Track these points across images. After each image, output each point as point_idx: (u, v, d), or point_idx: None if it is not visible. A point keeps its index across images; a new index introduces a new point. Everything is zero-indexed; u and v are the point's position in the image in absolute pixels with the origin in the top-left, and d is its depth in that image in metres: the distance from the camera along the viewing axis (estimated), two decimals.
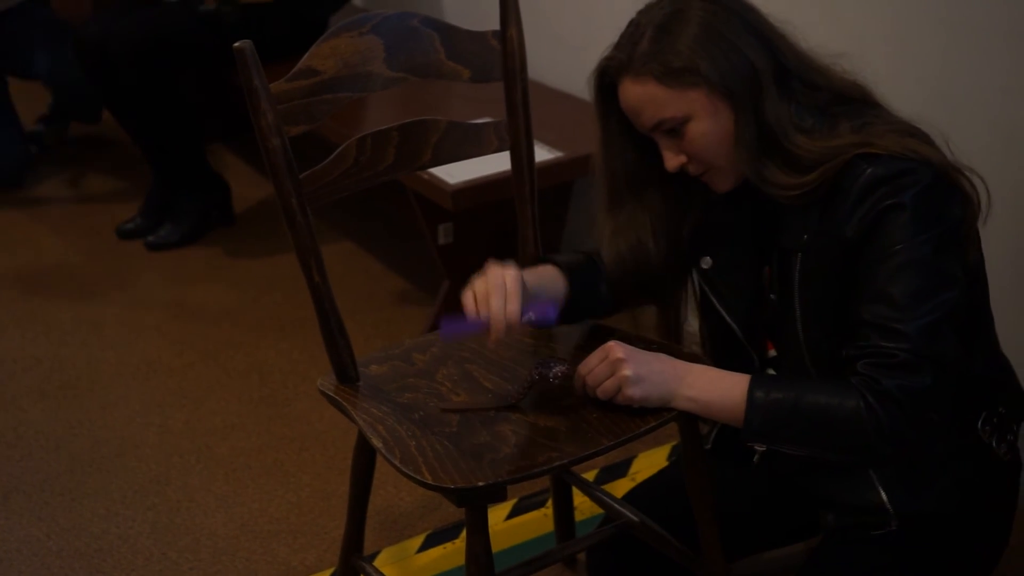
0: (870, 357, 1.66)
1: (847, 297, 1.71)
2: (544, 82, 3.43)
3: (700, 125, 1.74)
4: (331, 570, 2.45)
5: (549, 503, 2.51)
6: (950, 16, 2.38)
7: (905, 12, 2.46)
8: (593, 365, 1.77)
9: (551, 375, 1.81)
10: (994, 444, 1.85)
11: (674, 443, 2.75)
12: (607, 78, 1.81)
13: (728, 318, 1.91)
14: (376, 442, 1.76)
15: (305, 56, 1.84)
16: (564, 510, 2.30)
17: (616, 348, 1.75)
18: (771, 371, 1.91)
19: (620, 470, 2.70)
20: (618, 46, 1.78)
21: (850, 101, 1.78)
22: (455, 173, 2.89)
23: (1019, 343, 2.12)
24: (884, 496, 1.81)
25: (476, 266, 3.28)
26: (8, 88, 4.38)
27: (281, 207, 1.82)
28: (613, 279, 1.94)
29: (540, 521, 2.56)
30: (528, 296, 1.80)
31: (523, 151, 2.05)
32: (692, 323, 2.04)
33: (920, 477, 1.82)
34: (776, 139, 1.72)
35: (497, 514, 2.56)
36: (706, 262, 1.91)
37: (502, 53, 2.01)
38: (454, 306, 3.09)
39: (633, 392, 1.73)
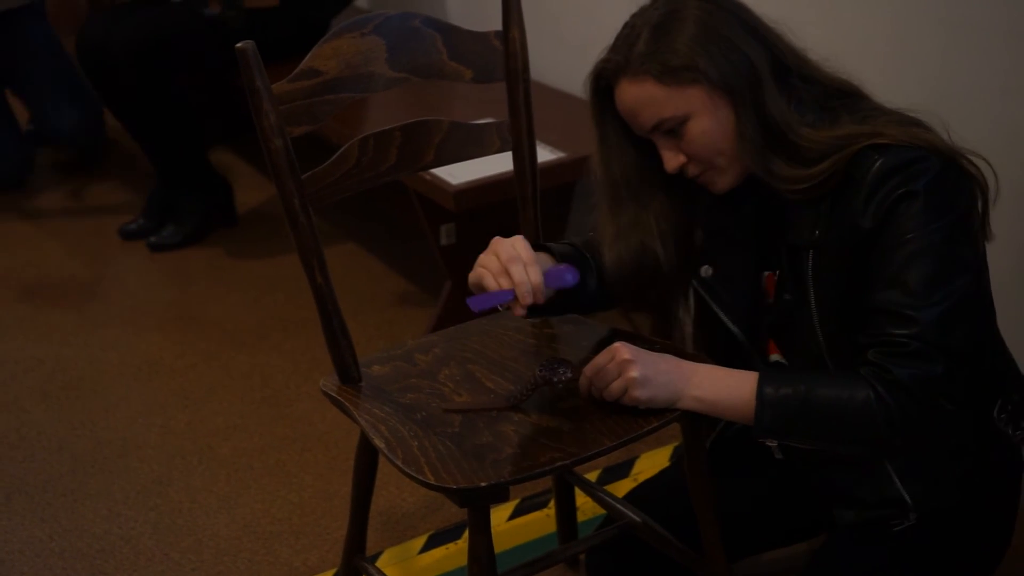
0: (881, 346, 1.66)
1: (860, 289, 1.71)
2: (546, 82, 3.43)
3: (700, 123, 1.74)
4: (333, 571, 2.45)
5: (551, 504, 2.52)
6: (950, 16, 2.38)
7: (905, 12, 2.46)
8: (600, 366, 1.76)
9: (555, 378, 1.80)
10: (1010, 432, 1.85)
11: (676, 443, 2.75)
12: (603, 81, 1.80)
13: (732, 325, 1.90)
14: (378, 442, 1.76)
15: (307, 57, 1.84)
16: (566, 510, 2.30)
17: (623, 349, 1.75)
18: (776, 366, 1.90)
19: (622, 470, 2.70)
20: (614, 48, 1.78)
21: (845, 95, 1.78)
22: (457, 174, 2.89)
23: (1021, 339, 2.12)
24: (902, 490, 1.81)
25: None
26: (5, 91, 4.38)
27: (283, 208, 1.82)
28: (614, 282, 1.93)
29: (542, 522, 2.56)
30: (540, 263, 1.79)
31: (525, 152, 2.05)
32: (687, 322, 2.04)
33: (937, 468, 1.82)
34: (781, 133, 1.72)
35: (499, 514, 2.56)
36: (706, 271, 1.90)
37: (504, 53, 2.01)
38: (456, 306, 3.11)
39: (640, 393, 1.73)
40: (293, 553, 2.51)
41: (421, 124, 1.96)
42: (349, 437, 2.82)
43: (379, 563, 2.46)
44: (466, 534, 2.24)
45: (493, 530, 1.73)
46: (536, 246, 1.95)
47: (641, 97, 1.75)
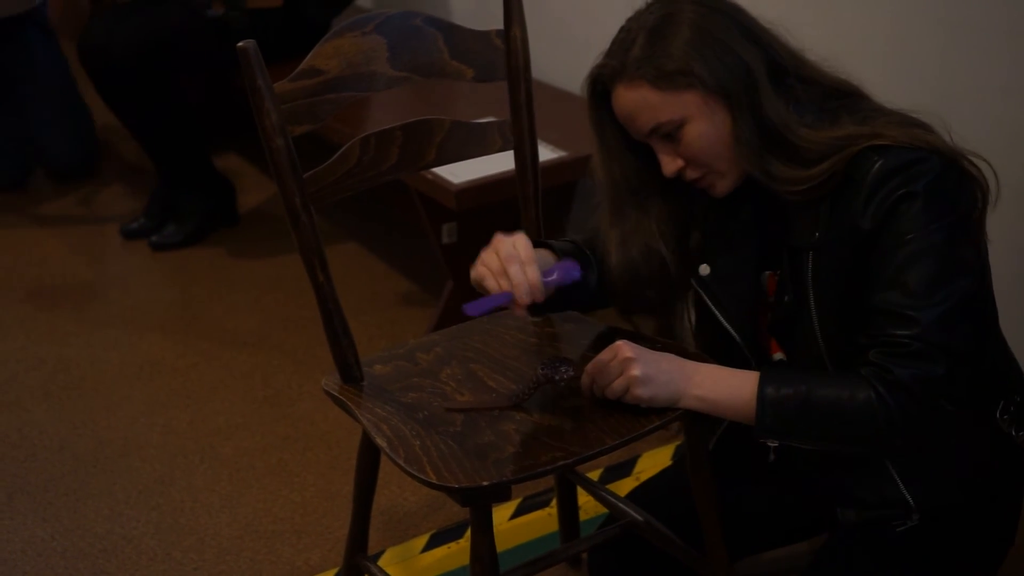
0: (882, 346, 1.66)
1: (861, 291, 1.71)
2: (548, 81, 3.43)
3: (696, 127, 1.74)
4: (335, 570, 2.45)
5: (553, 502, 2.52)
6: (949, 16, 2.38)
7: (905, 12, 2.46)
8: (602, 364, 1.76)
9: (557, 376, 1.80)
10: (1014, 432, 1.84)
11: (678, 442, 2.75)
12: (600, 86, 1.81)
13: (727, 325, 1.90)
14: (380, 442, 1.76)
15: (309, 56, 1.84)
16: (568, 509, 2.30)
17: (625, 348, 1.75)
18: (778, 364, 1.90)
19: (624, 469, 2.70)
20: (609, 53, 1.78)
21: (845, 96, 1.78)
22: (459, 173, 2.89)
23: (1022, 339, 2.12)
24: (904, 490, 1.81)
25: None
26: (5, 93, 4.39)
27: (285, 207, 1.82)
28: (619, 285, 1.93)
29: (544, 520, 2.56)
30: (542, 261, 1.80)
31: (527, 151, 2.05)
32: (688, 322, 2.04)
33: (939, 469, 1.82)
34: (779, 134, 1.72)
35: (501, 513, 2.56)
36: (704, 269, 1.90)
37: (506, 52, 2.01)
38: (457, 305, 3.10)
39: (642, 392, 1.73)
40: (295, 552, 2.51)
41: (422, 123, 1.96)
42: (351, 436, 2.81)
43: (381, 562, 2.46)
44: (468, 533, 2.24)
45: (495, 529, 1.73)
46: (537, 243, 1.95)
47: (637, 102, 1.75)
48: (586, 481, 2.20)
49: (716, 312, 1.90)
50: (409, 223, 3.77)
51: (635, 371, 1.73)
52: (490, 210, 3.04)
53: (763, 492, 2.05)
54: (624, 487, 2.54)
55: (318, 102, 1.84)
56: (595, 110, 1.83)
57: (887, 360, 1.65)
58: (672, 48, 1.71)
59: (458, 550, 2.48)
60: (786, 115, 1.72)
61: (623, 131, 1.82)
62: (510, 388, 1.86)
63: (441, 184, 2.90)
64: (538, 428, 1.76)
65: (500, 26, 2.01)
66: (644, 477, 2.59)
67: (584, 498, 2.42)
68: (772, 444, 1.74)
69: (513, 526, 2.55)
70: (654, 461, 2.72)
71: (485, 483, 1.64)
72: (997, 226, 1.80)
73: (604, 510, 2.30)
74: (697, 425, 1.83)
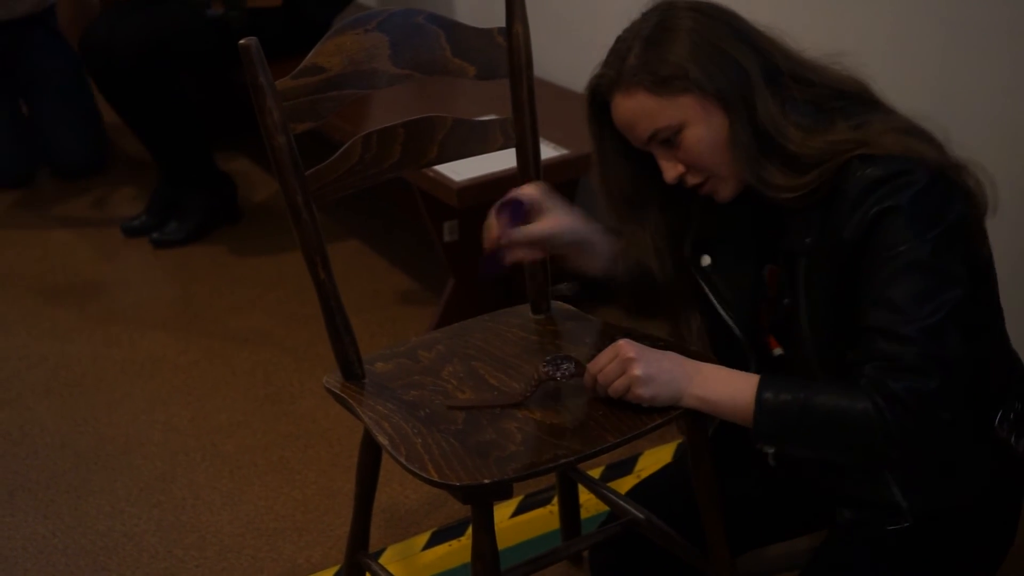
0: (876, 360, 1.65)
1: (851, 299, 1.71)
2: (550, 79, 3.43)
3: (695, 132, 1.74)
4: (336, 567, 2.45)
5: (555, 500, 2.52)
6: (951, 16, 2.38)
7: (907, 12, 2.46)
8: (603, 363, 1.76)
9: (559, 373, 1.81)
10: (1012, 441, 1.84)
11: (679, 440, 2.75)
12: (598, 97, 1.82)
13: (726, 316, 1.90)
14: (382, 439, 1.75)
15: (311, 53, 1.84)
16: (570, 507, 2.30)
17: (627, 347, 1.75)
18: (779, 359, 1.90)
19: (626, 467, 2.70)
20: (606, 63, 1.79)
21: (847, 96, 1.78)
22: (460, 170, 2.89)
23: (1021, 342, 2.12)
24: (899, 494, 1.81)
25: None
26: (13, 91, 4.39)
27: (286, 204, 1.82)
28: (633, 289, 1.95)
29: (546, 518, 2.56)
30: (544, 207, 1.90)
31: (529, 148, 2.05)
32: (694, 318, 2.04)
33: (936, 475, 1.82)
34: (773, 138, 1.72)
35: (503, 511, 2.56)
36: (705, 260, 1.91)
37: (508, 50, 2.01)
38: (458, 304, 3.11)
39: (643, 391, 1.73)
40: (296, 550, 2.51)
41: (424, 121, 1.96)
42: (352, 434, 2.82)
43: (382, 560, 2.46)
44: (469, 531, 2.24)
45: (496, 527, 1.73)
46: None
47: (635, 109, 1.76)
48: (587, 479, 2.20)
49: (715, 303, 1.90)
50: (411, 221, 3.77)
51: (636, 370, 1.73)
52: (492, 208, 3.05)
53: (764, 488, 2.04)
54: (625, 485, 2.54)
55: (320, 100, 1.84)
56: (594, 121, 1.85)
57: (882, 374, 1.64)
58: (668, 54, 1.72)
59: (459, 548, 2.48)
60: (781, 119, 1.72)
61: (623, 141, 1.83)
62: (512, 386, 1.86)
63: (443, 182, 2.90)
64: (540, 426, 1.76)
65: (502, 23, 2.01)
66: (645, 475, 2.58)
67: (585, 496, 2.42)
68: (769, 451, 1.74)
69: (514, 524, 2.55)
70: (655, 459, 2.72)
71: (486, 481, 1.64)
72: (998, 225, 1.80)
73: (605, 508, 2.30)
74: (699, 423, 1.83)
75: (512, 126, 2.04)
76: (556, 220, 1.91)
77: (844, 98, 1.77)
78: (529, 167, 2.06)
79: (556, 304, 2.11)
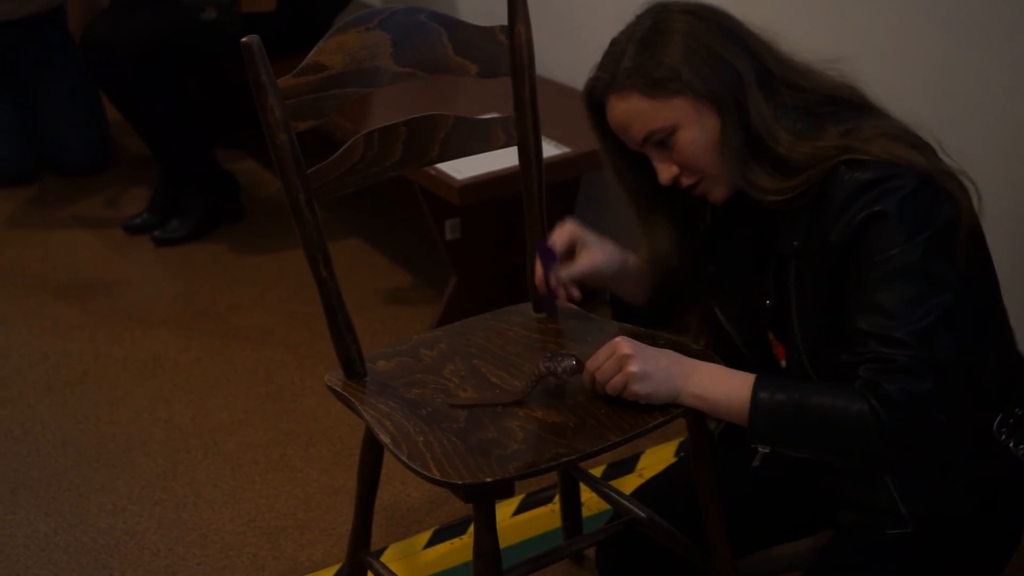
0: (870, 363, 1.65)
1: (841, 303, 1.71)
2: (552, 78, 3.43)
3: (688, 133, 1.75)
4: (338, 566, 2.45)
5: (556, 499, 2.51)
6: (952, 15, 2.37)
7: (908, 12, 2.46)
8: (601, 361, 1.77)
9: (559, 369, 1.81)
10: (1011, 445, 1.83)
11: (681, 439, 2.75)
12: (594, 100, 1.83)
13: (727, 325, 1.91)
14: (384, 438, 1.75)
15: (312, 51, 1.84)
16: (571, 506, 2.30)
17: (623, 344, 1.75)
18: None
19: (627, 466, 2.70)
20: (601, 66, 1.81)
21: (838, 102, 1.78)
22: (462, 169, 2.89)
23: (1020, 341, 2.12)
24: (898, 499, 1.81)
25: (483, 262, 3.30)
26: (19, 89, 4.39)
27: (288, 203, 1.82)
28: (657, 288, 1.97)
29: (547, 517, 2.56)
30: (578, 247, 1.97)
31: (531, 147, 2.05)
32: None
33: (935, 480, 1.81)
34: (762, 141, 1.72)
35: (504, 510, 2.56)
36: (708, 269, 1.91)
37: (510, 48, 2.01)
38: (460, 303, 3.11)
39: (640, 388, 1.73)
40: (298, 548, 2.51)
41: (426, 119, 1.96)
42: (354, 432, 2.82)
43: (384, 558, 2.46)
44: (471, 529, 2.24)
45: (498, 525, 1.73)
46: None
47: (629, 112, 1.77)
48: (589, 477, 2.20)
49: (717, 311, 1.92)
50: (412, 219, 3.77)
51: (633, 367, 1.73)
52: (493, 206, 3.04)
53: (766, 489, 2.04)
54: (627, 483, 2.54)
55: (322, 98, 1.84)
56: (596, 124, 1.87)
57: (876, 376, 1.64)
58: (661, 56, 1.73)
59: (461, 546, 2.48)
60: (772, 122, 1.73)
61: (622, 142, 1.83)
62: (513, 384, 1.86)
63: (444, 180, 2.90)
64: (541, 424, 1.76)
65: (504, 22, 2.01)
66: (647, 474, 2.59)
67: (587, 494, 2.42)
68: (763, 450, 1.73)
69: (516, 522, 2.55)
70: (657, 458, 2.72)
71: (488, 479, 1.64)
72: (998, 226, 1.80)
73: (607, 506, 2.30)
74: (701, 422, 1.83)
75: (514, 124, 2.04)
76: (595, 256, 1.96)
77: (836, 103, 1.78)
78: (531, 165, 2.06)
79: (558, 302, 2.11)
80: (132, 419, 2.98)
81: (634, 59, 1.74)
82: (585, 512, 2.38)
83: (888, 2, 2.50)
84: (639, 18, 1.79)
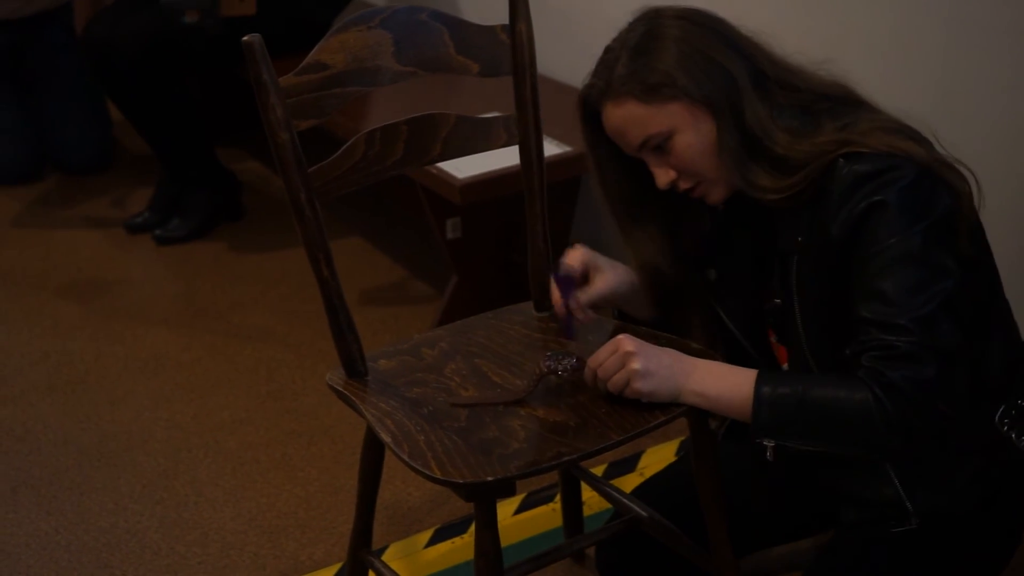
0: (873, 350, 1.65)
1: (843, 296, 1.71)
2: (553, 77, 3.43)
3: (684, 138, 1.76)
4: (339, 565, 2.45)
5: (558, 498, 2.51)
6: (953, 14, 2.37)
7: (908, 10, 2.46)
8: (603, 358, 1.77)
9: (560, 367, 1.81)
10: (1014, 437, 1.84)
11: (682, 438, 2.75)
12: (589, 107, 1.84)
13: (732, 327, 1.92)
14: (385, 437, 1.75)
15: (314, 50, 1.84)
16: (573, 505, 2.30)
17: (626, 341, 1.75)
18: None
19: (628, 465, 2.70)
20: (595, 73, 1.82)
21: (832, 99, 1.79)
22: (463, 168, 2.89)
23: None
24: (902, 493, 1.81)
25: (484, 261, 3.30)
26: (24, 88, 4.40)
27: (290, 201, 1.82)
28: (653, 295, 1.96)
29: (549, 516, 2.56)
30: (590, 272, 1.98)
31: (532, 145, 2.05)
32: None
33: (938, 473, 1.81)
34: (760, 142, 1.73)
35: (506, 509, 2.56)
36: (711, 273, 1.92)
37: (511, 47, 2.01)
38: (461, 302, 3.11)
39: (642, 386, 1.73)
40: (299, 547, 2.51)
41: (428, 118, 1.96)
42: (355, 431, 2.81)
43: (385, 557, 2.46)
44: (472, 528, 2.24)
45: (499, 524, 1.73)
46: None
47: (625, 118, 1.78)
48: (590, 476, 2.20)
49: (721, 314, 1.92)
50: (414, 218, 3.77)
51: (635, 364, 1.73)
52: (494, 205, 3.04)
53: (768, 488, 2.04)
54: (628, 482, 2.54)
55: (323, 96, 1.84)
56: (588, 131, 1.87)
57: (879, 363, 1.64)
58: (656, 62, 1.74)
59: (462, 545, 2.48)
60: (768, 123, 1.73)
61: (617, 149, 1.84)
62: (515, 383, 1.86)
63: (445, 179, 2.90)
64: (543, 424, 1.76)
65: (505, 21, 2.01)
66: (648, 473, 2.59)
67: (588, 493, 2.42)
68: (769, 444, 1.74)
69: (517, 521, 2.55)
70: (658, 457, 2.72)
71: (489, 478, 1.64)
72: (998, 225, 1.80)
73: (608, 505, 2.30)
74: (702, 422, 1.83)
75: (515, 123, 2.05)
76: (610, 279, 1.97)
77: (830, 100, 1.78)
78: (532, 164, 2.06)
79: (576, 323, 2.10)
80: (133, 418, 2.98)
81: (628, 66, 1.75)
82: (586, 511, 2.38)
83: (888, 2, 2.50)
84: (632, 25, 1.80)
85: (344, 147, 1.87)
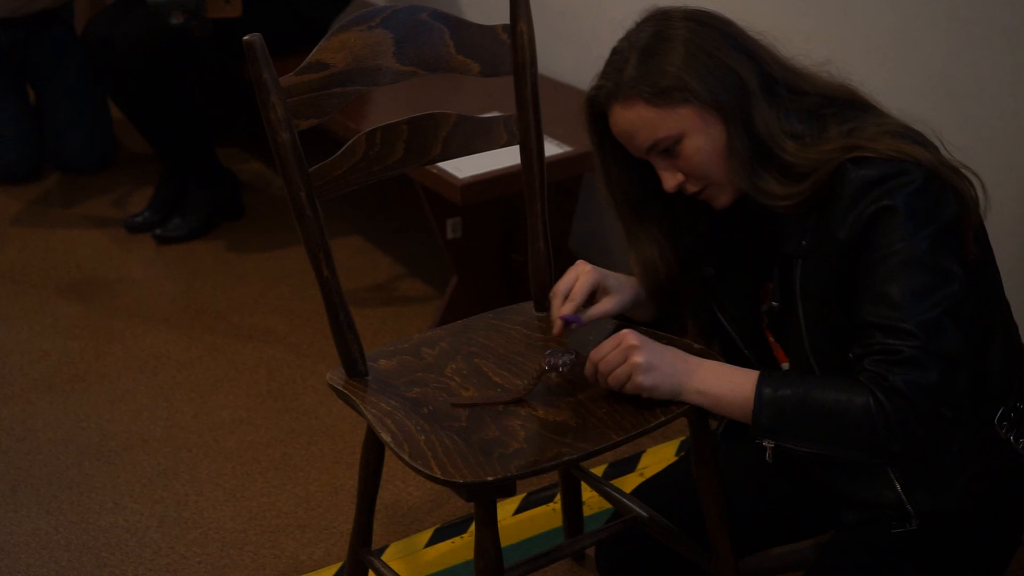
0: (876, 354, 1.66)
1: (848, 301, 1.71)
2: (554, 76, 3.43)
3: (694, 142, 1.75)
4: (339, 564, 2.45)
5: (558, 498, 2.51)
6: (954, 14, 2.37)
7: (910, 10, 2.46)
8: (606, 351, 1.77)
9: (560, 364, 1.81)
10: (1012, 439, 1.84)
11: (683, 438, 2.75)
12: (596, 108, 1.83)
13: (729, 327, 1.92)
14: (385, 436, 1.75)
15: (315, 50, 1.85)
16: (573, 505, 2.30)
17: (630, 335, 1.75)
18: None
19: (629, 465, 2.70)
20: (604, 75, 1.80)
21: (839, 102, 1.78)
22: (464, 167, 2.89)
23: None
24: (903, 494, 1.81)
25: (484, 261, 3.30)
26: (25, 86, 4.40)
27: (290, 201, 1.82)
28: (653, 297, 1.96)
29: (549, 516, 2.56)
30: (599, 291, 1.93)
31: (532, 145, 2.05)
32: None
33: (938, 475, 1.81)
34: (768, 148, 1.73)
35: (506, 509, 2.56)
36: (708, 271, 1.92)
37: (512, 47, 2.01)
38: (461, 302, 3.11)
39: (644, 380, 1.73)
40: (299, 546, 2.51)
41: (428, 118, 1.96)
42: (355, 431, 2.82)
43: (385, 557, 2.46)
44: (472, 528, 2.24)
45: (499, 524, 1.73)
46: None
47: (634, 120, 1.77)
48: (590, 476, 2.20)
49: (719, 313, 1.92)
50: (414, 218, 3.77)
51: (639, 358, 1.73)
52: (495, 205, 3.04)
53: (768, 489, 2.04)
54: (628, 483, 2.54)
55: (324, 96, 1.84)
56: (595, 132, 1.86)
57: (882, 367, 1.64)
58: (665, 65, 1.73)
59: (462, 545, 2.48)
60: (777, 129, 1.73)
61: (623, 151, 1.84)
62: (515, 383, 1.86)
63: (446, 179, 2.90)
64: (543, 424, 1.76)
65: (506, 21, 2.01)
66: (648, 473, 2.59)
67: (588, 493, 2.42)
68: (768, 445, 1.74)
69: (517, 521, 2.55)
70: (658, 457, 2.72)
71: (490, 478, 1.64)
72: (998, 225, 1.80)
73: (608, 505, 2.30)
74: (703, 422, 1.83)
75: (516, 123, 2.05)
76: (614, 302, 1.94)
77: (836, 104, 1.78)
78: (533, 164, 2.06)
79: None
80: (133, 417, 2.98)
81: (638, 68, 1.74)
82: (586, 511, 2.38)
83: (888, 2, 2.50)
84: (640, 25, 1.79)
85: (345, 147, 1.87)
